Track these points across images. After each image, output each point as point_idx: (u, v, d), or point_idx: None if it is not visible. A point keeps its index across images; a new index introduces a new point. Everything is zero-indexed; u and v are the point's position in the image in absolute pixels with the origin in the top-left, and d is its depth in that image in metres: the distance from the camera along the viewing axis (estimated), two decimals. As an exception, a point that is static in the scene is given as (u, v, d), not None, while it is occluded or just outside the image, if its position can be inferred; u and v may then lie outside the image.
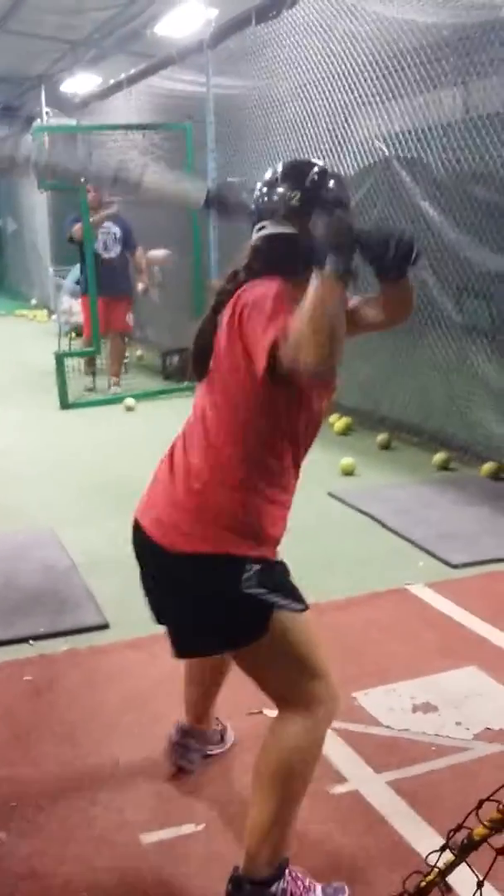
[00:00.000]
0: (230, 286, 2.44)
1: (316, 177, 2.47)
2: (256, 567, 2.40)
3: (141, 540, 2.54)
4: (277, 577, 2.48)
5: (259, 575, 2.40)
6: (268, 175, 2.53)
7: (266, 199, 2.48)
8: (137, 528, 2.56)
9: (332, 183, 2.48)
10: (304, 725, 2.48)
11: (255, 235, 2.50)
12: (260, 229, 2.49)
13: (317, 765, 2.54)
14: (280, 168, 2.52)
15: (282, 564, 2.54)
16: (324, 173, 2.49)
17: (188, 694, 3.14)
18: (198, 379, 2.52)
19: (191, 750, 3.17)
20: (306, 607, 2.51)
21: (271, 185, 2.48)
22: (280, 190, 2.45)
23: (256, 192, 2.52)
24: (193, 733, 3.17)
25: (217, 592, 2.42)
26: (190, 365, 2.55)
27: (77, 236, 9.73)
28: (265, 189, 2.49)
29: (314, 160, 2.60)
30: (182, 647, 2.63)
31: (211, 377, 2.46)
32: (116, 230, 10.05)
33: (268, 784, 2.46)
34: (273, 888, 2.46)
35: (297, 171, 2.50)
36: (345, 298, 2.21)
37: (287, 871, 2.50)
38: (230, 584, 2.39)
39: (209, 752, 3.24)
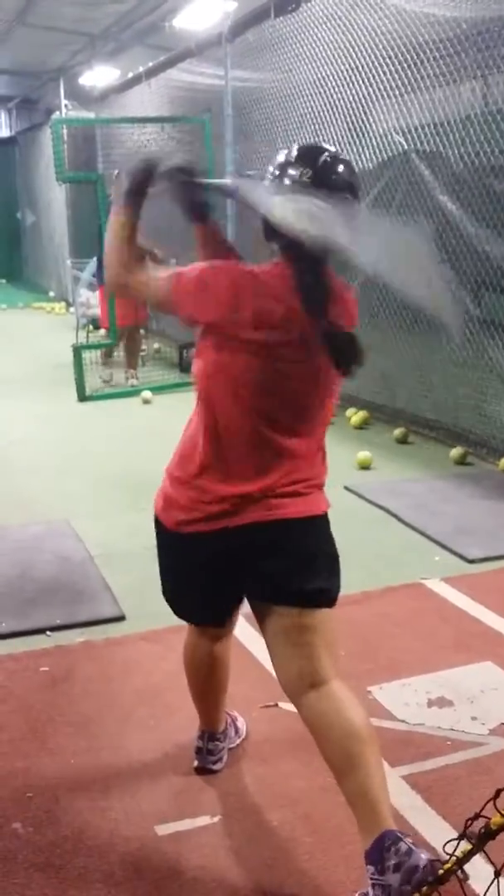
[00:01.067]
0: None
1: (328, 158, 2.56)
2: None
3: (256, 527, 2.60)
4: None
5: None
6: (281, 157, 2.60)
7: (278, 180, 2.55)
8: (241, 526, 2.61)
9: (341, 168, 2.57)
10: (343, 688, 2.65)
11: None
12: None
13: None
14: (295, 150, 2.60)
15: None
16: (336, 158, 2.58)
17: (203, 700, 3.11)
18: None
19: (217, 752, 3.16)
20: None
21: (284, 166, 2.56)
22: (292, 172, 2.53)
23: (269, 174, 2.59)
24: (218, 736, 3.16)
25: (329, 544, 2.79)
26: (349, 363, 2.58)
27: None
28: (277, 171, 2.57)
29: (326, 146, 2.68)
30: (311, 593, 2.68)
31: None
32: None
33: (372, 743, 2.54)
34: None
35: (310, 153, 2.59)
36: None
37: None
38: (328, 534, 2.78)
39: (232, 746, 3.25)
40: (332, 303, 2.51)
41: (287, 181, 2.52)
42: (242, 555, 2.64)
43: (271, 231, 2.50)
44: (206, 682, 3.05)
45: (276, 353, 2.50)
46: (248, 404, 2.53)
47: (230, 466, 2.58)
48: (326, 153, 2.57)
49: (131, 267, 2.64)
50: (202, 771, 3.13)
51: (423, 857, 2.28)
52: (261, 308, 2.47)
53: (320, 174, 2.52)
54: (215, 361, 2.55)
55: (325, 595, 2.68)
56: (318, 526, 2.73)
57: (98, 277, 10.23)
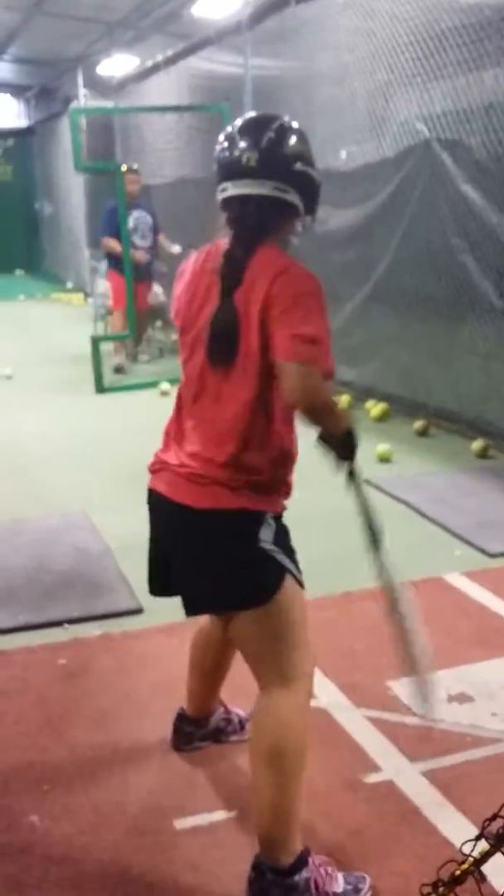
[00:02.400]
0: (234, 267, 2.45)
1: (273, 134, 2.48)
2: (274, 525, 2.52)
3: (159, 504, 2.61)
4: (287, 540, 2.59)
5: (275, 534, 2.51)
6: (228, 129, 2.54)
7: (226, 155, 2.50)
8: (153, 496, 2.65)
9: (292, 140, 2.50)
10: (289, 701, 2.50)
11: (220, 197, 2.53)
12: (223, 190, 2.52)
13: (308, 737, 2.54)
14: (239, 123, 2.54)
15: (285, 526, 2.61)
16: (282, 130, 2.49)
17: (190, 683, 3.16)
18: (222, 365, 2.49)
19: (184, 733, 3.19)
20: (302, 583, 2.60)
21: (231, 140, 2.50)
22: (241, 145, 2.47)
23: (218, 147, 2.53)
24: (188, 719, 3.19)
25: (236, 547, 2.49)
26: (215, 351, 2.50)
27: (107, 250, 10.28)
28: (225, 143, 2.51)
29: (275, 115, 2.58)
30: (195, 602, 2.67)
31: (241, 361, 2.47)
32: (150, 219, 10.40)
33: (267, 765, 2.46)
34: (296, 878, 2.44)
35: (255, 128, 2.51)
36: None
37: (310, 859, 2.48)
38: (249, 540, 2.48)
39: (230, 740, 3.24)
40: (242, 284, 2.43)
41: (235, 157, 2.46)
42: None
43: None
44: (200, 658, 3.09)
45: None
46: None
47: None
48: (271, 128, 2.48)
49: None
50: (177, 749, 3.20)
51: None
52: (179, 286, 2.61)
53: (267, 155, 2.45)
54: None
55: (240, 599, 2.55)
56: (228, 524, 2.51)
57: (110, 264, 10.50)
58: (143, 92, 13.42)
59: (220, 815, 2.90)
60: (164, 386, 9.27)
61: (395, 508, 5.68)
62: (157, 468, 2.67)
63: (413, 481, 6.18)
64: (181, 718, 3.20)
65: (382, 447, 6.72)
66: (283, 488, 2.61)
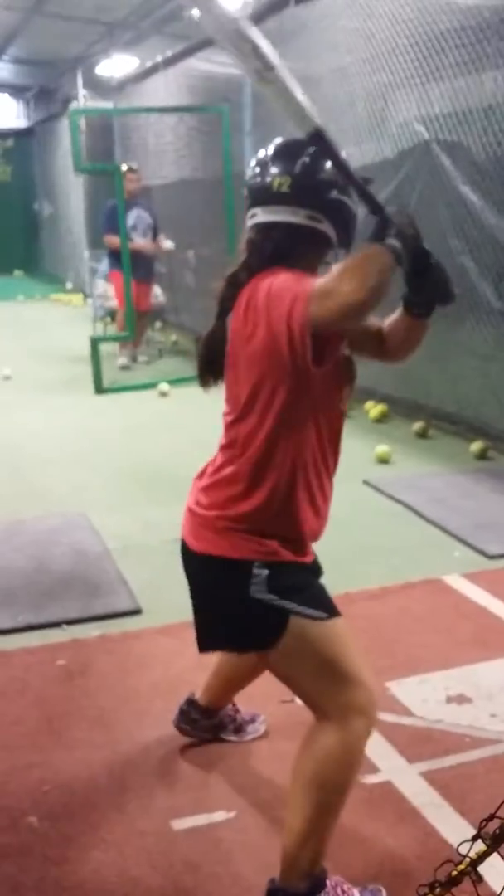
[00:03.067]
0: (232, 291, 2.38)
1: (307, 160, 2.34)
2: (264, 571, 2.36)
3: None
4: (293, 581, 2.41)
5: (268, 580, 2.35)
6: (260, 154, 2.43)
7: (259, 179, 2.38)
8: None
9: (328, 166, 2.33)
10: (337, 737, 2.39)
11: (249, 223, 2.43)
12: (252, 216, 2.41)
13: (355, 774, 2.46)
14: (272, 148, 2.42)
15: (303, 566, 2.48)
16: (318, 155, 2.34)
17: (210, 680, 3.16)
18: (205, 386, 2.52)
19: (190, 719, 3.21)
20: (330, 615, 2.43)
21: (263, 165, 2.39)
22: (272, 170, 2.35)
23: (249, 171, 2.43)
24: (199, 708, 3.20)
25: (227, 594, 2.42)
26: (199, 372, 2.52)
27: (111, 246, 10.13)
28: (257, 169, 2.40)
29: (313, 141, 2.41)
30: (199, 641, 2.63)
31: (229, 384, 2.43)
32: (150, 219, 10.39)
33: (303, 791, 2.40)
34: None
35: (288, 153, 2.38)
36: (390, 267, 2.21)
37: (328, 881, 2.44)
38: (237, 588, 2.37)
39: (223, 738, 3.26)
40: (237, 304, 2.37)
41: (266, 183, 2.35)
42: None
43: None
44: (231, 667, 3.06)
45: None
46: None
47: None
48: (305, 153, 2.35)
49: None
50: (179, 729, 3.22)
51: None
52: None
53: (300, 182, 2.32)
54: None
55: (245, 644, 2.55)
56: (217, 571, 2.45)
57: (111, 264, 10.46)
58: (142, 93, 13.43)
59: (219, 815, 2.90)
60: (163, 387, 9.28)
61: (394, 509, 5.69)
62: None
63: (412, 482, 6.18)
64: (191, 703, 3.20)
65: (381, 448, 6.73)
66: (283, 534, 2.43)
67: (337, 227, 2.36)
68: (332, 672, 2.40)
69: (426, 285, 2.32)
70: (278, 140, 2.47)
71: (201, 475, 2.53)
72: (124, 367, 10.28)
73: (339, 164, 2.28)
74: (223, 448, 2.46)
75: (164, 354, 10.95)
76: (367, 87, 7.80)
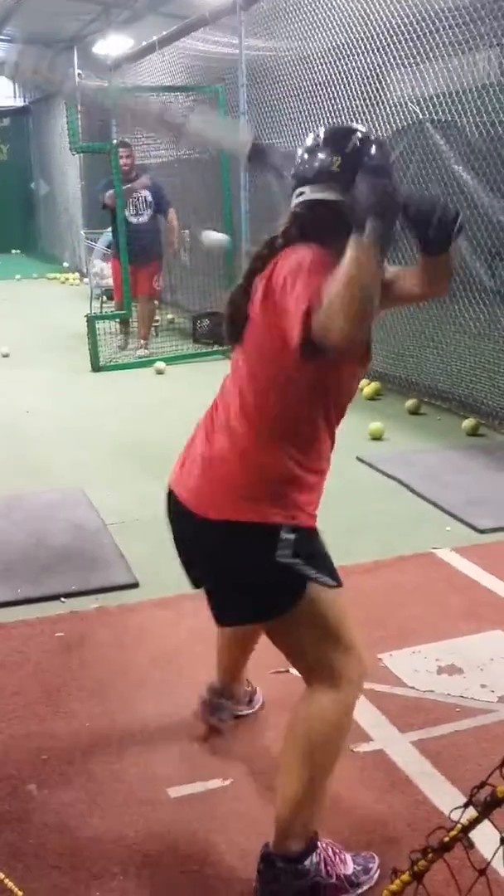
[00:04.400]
0: (266, 251, 2.39)
1: (358, 142, 2.35)
2: (291, 536, 2.38)
3: (176, 508, 2.52)
4: (314, 547, 2.47)
5: (294, 544, 2.38)
6: (309, 140, 2.45)
7: (307, 165, 2.40)
8: (171, 496, 2.55)
9: (374, 149, 2.36)
10: (331, 699, 2.45)
11: (295, 201, 2.44)
12: (299, 195, 2.42)
13: (346, 739, 2.51)
14: (322, 133, 2.44)
15: (318, 534, 2.52)
16: (366, 140, 2.37)
17: (221, 658, 3.16)
18: (231, 343, 2.50)
19: (223, 708, 3.19)
20: (339, 584, 2.49)
21: (312, 150, 2.40)
22: (321, 155, 2.37)
23: (297, 159, 2.44)
24: (225, 692, 3.20)
25: (251, 561, 2.40)
26: (224, 330, 2.52)
27: (110, 203, 9.73)
28: (306, 155, 2.41)
29: (358, 126, 2.48)
30: (221, 617, 2.61)
31: (246, 344, 2.43)
32: (146, 194, 10.01)
33: (297, 756, 2.44)
34: (306, 863, 2.43)
35: (338, 137, 2.40)
36: (380, 267, 2.16)
37: (319, 843, 2.48)
38: (264, 553, 2.37)
39: (239, 713, 3.27)
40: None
41: (316, 165, 2.37)
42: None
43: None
44: (234, 640, 3.09)
45: None
46: None
47: None
48: (356, 137, 2.38)
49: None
50: (208, 726, 3.19)
51: None
52: None
53: (350, 160, 2.30)
54: None
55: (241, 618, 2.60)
56: (241, 537, 2.43)
57: (113, 251, 10.27)
58: (138, 72, 13.36)
59: (215, 783, 2.95)
60: (160, 365, 9.31)
61: (386, 485, 5.74)
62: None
63: (405, 458, 6.23)
64: (213, 691, 3.18)
65: (375, 425, 6.77)
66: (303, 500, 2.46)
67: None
68: (335, 638, 2.47)
69: (422, 226, 2.29)
70: (329, 126, 2.52)
71: (207, 443, 2.49)
72: (121, 348, 10.12)
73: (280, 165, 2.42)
74: (241, 415, 2.43)
75: (159, 333, 10.96)
76: (362, 67, 7.80)
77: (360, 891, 2.50)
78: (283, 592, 2.41)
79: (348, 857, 2.54)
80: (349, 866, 2.52)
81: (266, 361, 2.37)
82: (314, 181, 2.38)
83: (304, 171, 2.41)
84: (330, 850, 2.51)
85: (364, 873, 2.54)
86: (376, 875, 2.54)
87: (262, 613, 2.50)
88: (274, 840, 2.46)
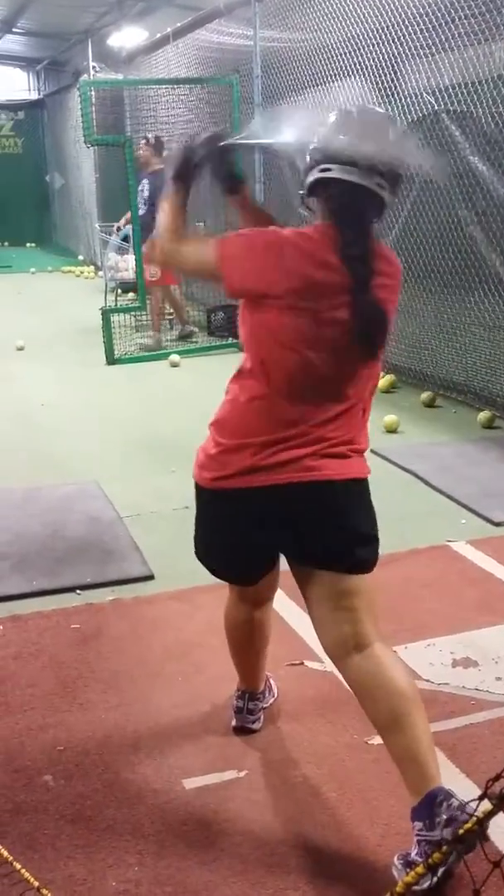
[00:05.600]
0: (366, 250, 2.54)
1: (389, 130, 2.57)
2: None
3: (295, 489, 2.59)
4: None
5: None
6: (338, 117, 2.57)
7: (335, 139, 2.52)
8: (270, 488, 2.59)
9: (396, 138, 2.56)
10: (392, 651, 2.69)
11: (319, 176, 2.53)
12: (324, 170, 2.50)
13: None
14: (355, 113, 2.62)
15: None
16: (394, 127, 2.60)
17: (243, 661, 3.15)
18: (373, 355, 2.61)
19: (256, 711, 3.19)
20: None
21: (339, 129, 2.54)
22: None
23: (322, 131, 2.56)
24: (257, 696, 3.19)
25: (366, 508, 2.75)
26: (365, 343, 2.56)
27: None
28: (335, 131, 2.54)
29: (386, 113, 2.74)
30: (355, 561, 2.71)
31: None
32: (143, 187, 9.99)
33: (417, 701, 2.57)
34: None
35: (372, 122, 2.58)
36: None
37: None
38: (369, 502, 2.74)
39: (263, 707, 3.27)
40: (377, 269, 2.52)
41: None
42: (280, 516, 2.64)
43: (312, 187, 2.55)
44: (246, 644, 3.09)
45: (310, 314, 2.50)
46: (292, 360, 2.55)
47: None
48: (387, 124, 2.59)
49: (180, 234, 2.72)
50: (241, 731, 3.16)
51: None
52: (299, 272, 2.47)
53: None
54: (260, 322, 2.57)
55: (368, 561, 2.71)
56: (361, 490, 2.73)
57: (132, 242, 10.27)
58: (152, 65, 13.36)
59: (230, 774, 2.96)
60: (174, 358, 9.31)
61: (401, 478, 5.73)
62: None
63: (420, 451, 6.22)
64: (244, 695, 3.17)
65: (390, 418, 6.76)
66: None
67: (392, 196, 2.55)
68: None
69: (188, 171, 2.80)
70: (360, 106, 2.71)
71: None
72: (147, 349, 9.99)
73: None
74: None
75: (174, 326, 10.96)
76: (377, 58, 7.78)
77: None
78: (376, 540, 2.76)
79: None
80: None
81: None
82: (340, 162, 2.47)
83: (332, 147, 2.50)
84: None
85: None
86: None
87: (368, 559, 2.73)
88: (434, 785, 2.47)
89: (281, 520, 2.63)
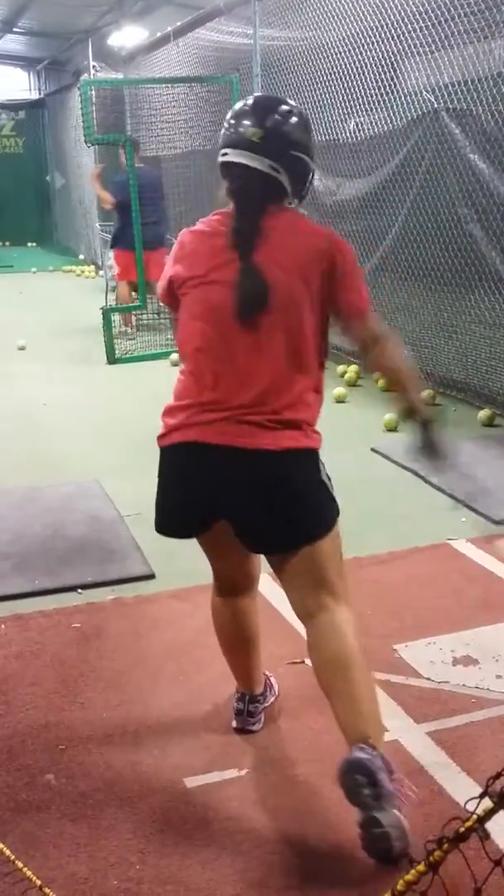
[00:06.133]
0: (251, 225, 2.68)
1: (279, 117, 2.73)
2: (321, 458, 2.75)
3: (233, 456, 2.67)
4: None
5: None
6: (238, 105, 2.79)
7: (232, 130, 2.72)
8: (222, 450, 2.69)
9: (295, 126, 2.74)
10: (350, 613, 2.76)
11: (220, 160, 2.76)
12: (223, 154, 2.74)
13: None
14: (250, 101, 2.80)
15: None
16: (289, 114, 2.76)
17: (236, 662, 3.16)
18: (257, 314, 2.66)
19: (256, 713, 3.19)
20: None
21: (239, 115, 2.74)
22: (247, 121, 2.70)
23: (226, 122, 2.76)
24: (257, 697, 3.20)
25: (308, 479, 2.73)
26: (250, 302, 2.66)
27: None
28: (233, 120, 2.75)
29: (286, 100, 2.86)
30: (273, 543, 2.78)
31: (274, 310, 2.65)
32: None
33: (361, 666, 2.68)
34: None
35: (265, 107, 2.77)
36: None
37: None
38: (314, 472, 2.74)
39: (268, 703, 3.28)
40: (263, 243, 2.66)
41: (240, 132, 2.70)
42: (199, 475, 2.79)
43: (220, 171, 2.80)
44: (235, 642, 3.10)
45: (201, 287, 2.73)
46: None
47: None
48: (279, 110, 2.75)
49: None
50: (241, 732, 3.16)
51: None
52: (195, 251, 2.77)
53: (270, 135, 2.68)
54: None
55: (319, 529, 2.74)
56: (274, 461, 2.70)
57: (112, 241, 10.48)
58: (152, 64, 13.37)
59: (231, 773, 2.96)
60: (175, 357, 9.30)
61: (402, 476, 5.73)
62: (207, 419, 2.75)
63: (421, 450, 6.20)
64: (244, 698, 3.17)
65: (389, 416, 6.74)
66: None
67: (294, 182, 2.74)
68: (342, 561, 2.81)
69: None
70: (257, 94, 2.86)
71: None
72: (126, 337, 10.13)
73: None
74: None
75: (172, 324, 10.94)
76: (377, 56, 7.78)
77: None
78: (328, 508, 2.77)
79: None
80: None
81: (300, 320, 2.70)
82: (236, 146, 2.71)
83: (230, 132, 2.74)
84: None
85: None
86: None
87: (317, 528, 2.74)
88: (367, 738, 2.58)
89: (200, 479, 2.75)
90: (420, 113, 7.54)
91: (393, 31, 7.53)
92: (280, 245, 2.67)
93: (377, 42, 7.76)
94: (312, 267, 2.66)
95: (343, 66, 8.27)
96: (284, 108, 2.78)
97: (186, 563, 3.87)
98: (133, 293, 11.12)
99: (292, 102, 2.83)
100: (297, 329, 2.68)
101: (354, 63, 8.09)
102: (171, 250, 2.88)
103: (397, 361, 2.82)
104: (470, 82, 6.94)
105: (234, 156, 2.71)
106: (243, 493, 2.69)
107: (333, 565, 2.76)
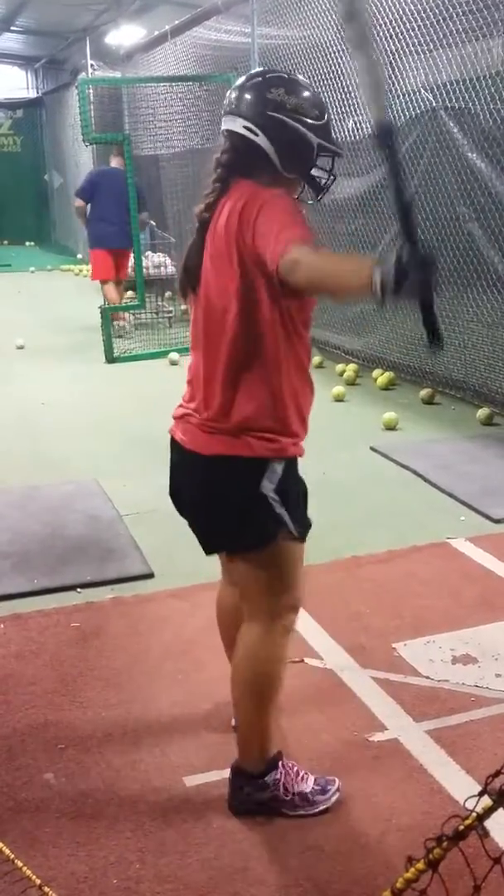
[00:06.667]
0: (211, 199, 2.58)
1: (260, 79, 2.54)
2: (280, 467, 2.55)
3: (179, 449, 2.72)
4: (293, 490, 2.62)
5: (280, 481, 2.56)
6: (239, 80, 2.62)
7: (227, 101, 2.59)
8: (178, 447, 2.74)
9: (278, 88, 2.50)
10: (259, 633, 2.69)
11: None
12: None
13: (281, 667, 2.73)
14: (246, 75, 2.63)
15: (301, 481, 2.68)
16: (272, 79, 2.53)
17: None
18: (189, 293, 2.64)
19: None
20: (303, 539, 2.66)
21: (234, 89, 2.58)
22: (234, 92, 2.55)
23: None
24: None
25: (239, 490, 2.57)
26: (179, 282, 2.67)
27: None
28: (232, 94, 2.58)
29: (280, 71, 2.64)
30: (207, 543, 2.77)
31: (203, 300, 2.57)
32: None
33: (243, 690, 2.72)
34: (267, 778, 2.72)
35: (250, 76, 2.59)
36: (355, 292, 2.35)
37: (280, 763, 2.75)
38: (249, 484, 2.54)
39: None
40: (213, 225, 2.55)
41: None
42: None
43: None
44: (235, 632, 3.10)
45: None
46: None
47: None
48: (261, 74, 2.59)
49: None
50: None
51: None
52: None
53: (244, 93, 2.53)
54: None
55: (241, 543, 2.66)
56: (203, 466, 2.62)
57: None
58: (150, 62, 13.36)
59: (229, 772, 2.96)
60: (174, 356, 9.31)
61: (401, 475, 5.74)
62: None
63: (419, 448, 6.22)
64: None
65: (389, 415, 6.77)
66: (289, 432, 2.56)
67: (278, 147, 2.49)
68: (283, 584, 2.67)
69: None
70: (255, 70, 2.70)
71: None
72: (120, 335, 10.20)
73: (396, 166, 2.44)
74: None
75: (173, 324, 10.96)
76: (375, 55, 7.77)
77: (315, 809, 2.75)
78: (260, 526, 2.58)
79: (310, 779, 2.79)
80: (308, 785, 2.77)
81: (231, 313, 2.49)
82: (224, 114, 2.57)
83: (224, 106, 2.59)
84: (293, 770, 2.78)
85: (321, 793, 2.78)
86: (333, 798, 2.78)
87: (235, 544, 2.67)
88: (239, 758, 2.76)
89: (171, 472, 2.83)
90: (418, 112, 7.54)
91: (391, 29, 7.52)
92: (215, 227, 2.52)
93: (376, 41, 7.74)
94: (231, 242, 2.43)
95: (341, 65, 8.26)
96: (271, 74, 2.56)
97: (186, 563, 3.88)
98: (130, 291, 11.20)
99: (288, 73, 2.62)
100: (231, 323, 2.47)
101: (352, 62, 8.07)
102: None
103: (319, 263, 2.26)
104: (468, 81, 6.95)
105: (223, 125, 2.57)
106: (185, 492, 2.75)
107: (259, 582, 2.65)
